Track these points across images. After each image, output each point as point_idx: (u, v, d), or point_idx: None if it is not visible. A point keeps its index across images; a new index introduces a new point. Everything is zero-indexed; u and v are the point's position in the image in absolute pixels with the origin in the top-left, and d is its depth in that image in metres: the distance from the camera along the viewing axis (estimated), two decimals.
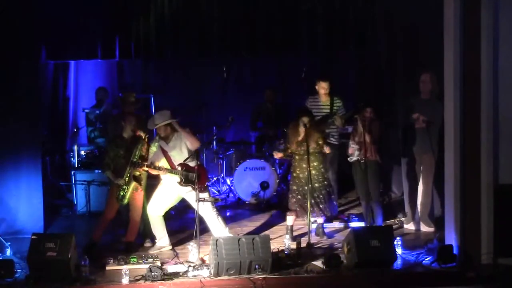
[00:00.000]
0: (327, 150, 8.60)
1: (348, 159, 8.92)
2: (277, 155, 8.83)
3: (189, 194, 8.24)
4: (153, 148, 8.32)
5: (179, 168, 8.17)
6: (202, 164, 8.51)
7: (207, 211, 8.27)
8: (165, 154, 8.25)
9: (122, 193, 8.25)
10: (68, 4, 9.33)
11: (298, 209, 8.58)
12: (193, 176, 8.07)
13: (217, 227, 8.33)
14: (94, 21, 9.45)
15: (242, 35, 9.88)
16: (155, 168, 8.13)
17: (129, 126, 8.40)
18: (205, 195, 8.20)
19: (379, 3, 9.96)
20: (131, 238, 8.47)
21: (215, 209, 8.34)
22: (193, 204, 8.13)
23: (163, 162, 8.21)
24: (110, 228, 8.62)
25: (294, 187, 8.62)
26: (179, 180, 8.18)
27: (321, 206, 8.55)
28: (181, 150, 8.22)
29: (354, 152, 8.76)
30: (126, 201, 8.30)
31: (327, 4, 9.91)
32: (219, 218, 8.36)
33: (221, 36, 9.81)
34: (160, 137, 8.27)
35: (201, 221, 7.96)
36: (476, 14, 7.51)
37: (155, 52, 9.80)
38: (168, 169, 8.15)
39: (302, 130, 8.43)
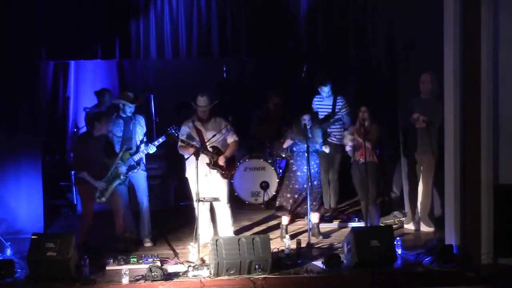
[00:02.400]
0: (326, 149, 8.69)
1: (346, 148, 8.92)
2: (287, 142, 8.70)
3: (213, 178, 8.35)
4: (185, 128, 8.43)
5: (211, 150, 8.32)
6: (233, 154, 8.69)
7: (222, 206, 8.39)
8: (200, 133, 8.41)
9: (101, 193, 8.27)
10: (68, 4, 9.31)
11: (291, 207, 8.63)
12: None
13: (225, 225, 8.40)
14: (94, 21, 9.43)
15: (242, 35, 9.87)
16: (188, 144, 8.24)
17: (100, 126, 8.35)
18: (225, 183, 8.37)
19: (379, 3, 9.94)
20: (120, 232, 8.47)
21: (230, 207, 8.47)
22: (214, 190, 8.28)
23: (196, 142, 8.34)
24: (109, 228, 8.63)
25: (291, 186, 8.68)
26: (208, 161, 8.29)
27: (314, 204, 8.60)
28: (215, 134, 8.38)
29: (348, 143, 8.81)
30: (104, 199, 8.32)
31: (327, 5, 9.91)
32: (231, 216, 8.47)
33: (221, 36, 9.81)
34: (198, 118, 8.45)
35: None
36: (476, 14, 7.51)
37: (155, 52, 9.79)
38: (200, 147, 8.23)
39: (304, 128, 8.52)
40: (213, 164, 8.36)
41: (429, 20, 8.82)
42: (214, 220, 8.64)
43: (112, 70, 12.09)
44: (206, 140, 8.38)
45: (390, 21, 9.85)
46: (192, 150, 8.21)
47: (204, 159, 8.26)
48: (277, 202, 8.85)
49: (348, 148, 8.87)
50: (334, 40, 10.08)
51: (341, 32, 10.00)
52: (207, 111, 8.42)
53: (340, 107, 9.75)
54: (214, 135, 8.38)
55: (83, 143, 8.45)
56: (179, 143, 8.38)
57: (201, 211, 8.28)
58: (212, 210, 8.58)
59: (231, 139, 8.53)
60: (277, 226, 9.21)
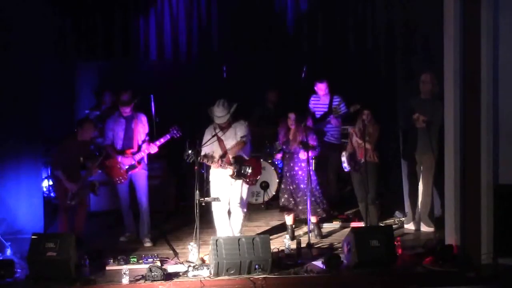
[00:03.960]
0: (302, 155, 8.51)
1: (344, 166, 8.91)
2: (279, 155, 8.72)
3: (236, 185, 8.23)
4: (207, 136, 8.19)
5: (233, 161, 8.14)
6: (257, 157, 8.53)
7: (240, 208, 8.28)
8: (221, 143, 8.17)
9: (73, 195, 8.40)
10: (68, 4, 9.33)
11: (293, 207, 8.62)
12: (246, 169, 8.14)
13: (236, 226, 8.33)
14: (94, 21, 9.44)
15: (242, 35, 9.89)
16: (208, 160, 8.06)
17: (82, 132, 8.50)
18: (245, 187, 8.24)
19: (379, 3, 9.96)
20: (79, 229, 8.64)
21: (245, 209, 8.38)
22: (233, 196, 8.21)
23: (216, 151, 8.14)
24: (110, 228, 8.63)
25: (287, 187, 8.67)
26: (231, 173, 8.16)
27: (312, 206, 8.50)
28: (235, 138, 8.18)
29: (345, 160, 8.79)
30: (74, 203, 8.46)
31: (327, 4, 9.93)
32: (244, 219, 8.38)
33: (221, 36, 9.82)
34: (220, 126, 8.17)
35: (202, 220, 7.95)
36: (476, 14, 7.51)
37: (155, 52, 9.80)
38: (221, 162, 8.07)
39: (291, 127, 8.51)
40: (236, 175, 8.18)
41: (429, 19, 8.82)
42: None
43: (112, 70, 12.08)
44: (227, 150, 8.17)
45: (390, 21, 9.86)
46: (215, 164, 8.09)
47: (227, 170, 8.17)
48: (280, 203, 8.82)
49: (344, 166, 8.84)
50: (334, 40, 10.09)
51: (341, 32, 10.01)
52: (227, 121, 8.13)
53: (336, 105, 9.76)
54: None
55: (65, 144, 8.59)
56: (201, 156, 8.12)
57: (219, 212, 8.28)
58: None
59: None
60: (277, 226, 9.23)
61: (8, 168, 8.94)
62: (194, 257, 7.77)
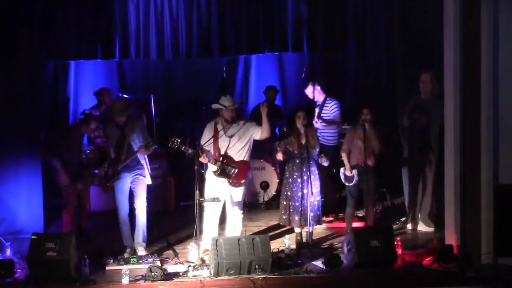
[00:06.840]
0: (325, 163, 8.37)
1: (346, 183, 8.69)
2: (279, 155, 8.30)
3: (222, 186, 8.14)
4: (206, 132, 8.12)
5: (220, 159, 8.04)
6: (247, 161, 8.21)
7: (237, 208, 8.21)
8: (216, 137, 8.05)
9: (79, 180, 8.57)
10: (68, 4, 9.33)
11: (289, 217, 8.30)
12: (231, 170, 8.04)
13: (236, 226, 8.27)
14: (94, 21, 9.45)
15: (242, 34, 9.89)
16: (196, 153, 7.93)
17: (90, 126, 8.64)
18: (238, 190, 8.13)
19: (379, 2, 9.97)
20: (83, 224, 8.86)
21: (243, 210, 8.28)
22: (228, 193, 8.13)
23: (209, 146, 8.04)
24: (110, 228, 8.60)
25: (285, 193, 8.36)
26: (215, 169, 8.08)
27: (312, 214, 8.21)
28: (240, 140, 8.08)
29: (352, 176, 8.55)
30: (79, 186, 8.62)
31: (327, 3, 9.93)
32: (242, 220, 8.30)
33: (221, 36, 9.82)
34: (225, 119, 8.08)
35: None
36: (476, 14, 7.51)
37: (155, 52, 9.80)
38: (206, 157, 7.97)
39: (300, 127, 8.21)
40: (219, 174, 8.07)
41: (429, 19, 8.82)
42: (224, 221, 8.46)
43: (112, 70, 12.09)
44: (218, 145, 8.06)
45: (390, 21, 9.86)
46: (204, 159, 7.95)
47: (211, 167, 8.09)
48: (283, 215, 8.44)
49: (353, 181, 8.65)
50: (334, 40, 10.09)
51: (341, 31, 10.00)
52: (233, 111, 8.06)
53: (327, 109, 9.63)
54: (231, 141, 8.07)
55: (67, 133, 8.81)
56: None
57: (211, 215, 8.18)
58: (223, 213, 8.34)
59: (259, 135, 8.10)
60: (277, 226, 9.21)
61: (8, 168, 8.94)
62: (194, 257, 7.77)
